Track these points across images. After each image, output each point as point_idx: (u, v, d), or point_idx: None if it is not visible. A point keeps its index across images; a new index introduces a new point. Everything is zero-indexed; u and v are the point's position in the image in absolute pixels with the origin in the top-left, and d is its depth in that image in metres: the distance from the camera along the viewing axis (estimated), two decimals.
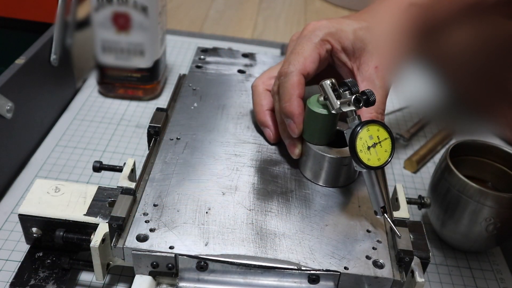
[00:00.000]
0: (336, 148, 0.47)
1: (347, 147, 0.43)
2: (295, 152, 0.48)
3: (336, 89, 0.44)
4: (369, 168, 0.42)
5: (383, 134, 0.42)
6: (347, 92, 0.44)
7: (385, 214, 0.43)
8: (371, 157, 0.42)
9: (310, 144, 0.47)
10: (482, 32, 0.72)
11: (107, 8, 0.67)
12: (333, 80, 0.44)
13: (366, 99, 0.43)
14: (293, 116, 0.47)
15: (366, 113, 0.47)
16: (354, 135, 0.42)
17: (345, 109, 0.43)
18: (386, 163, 0.42)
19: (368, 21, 0.50)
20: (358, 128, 0.42)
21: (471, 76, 0.76)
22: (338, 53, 0.48)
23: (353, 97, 0.43)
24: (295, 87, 0.47)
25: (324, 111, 0.46)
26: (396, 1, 0.52)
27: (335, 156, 0.46)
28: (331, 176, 0.48)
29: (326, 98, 0.44)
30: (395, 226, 0.43)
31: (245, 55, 0.67)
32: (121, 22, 0.68)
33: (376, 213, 0.43)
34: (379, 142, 0.42)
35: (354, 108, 0.43)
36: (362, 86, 0.48)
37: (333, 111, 0.44)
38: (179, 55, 0.89)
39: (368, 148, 0.42)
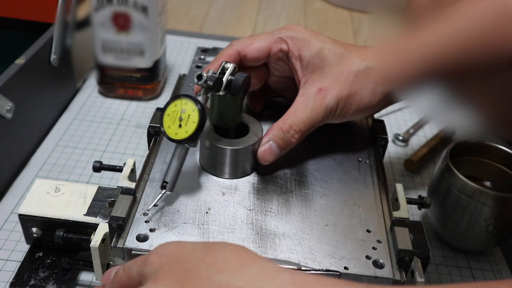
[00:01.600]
0: (233, 139, 0.47)
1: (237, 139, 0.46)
2: None
3: (233, 73, 0.45)
4: (171, 140, 0.43)
5: (191, 106, 0.42)
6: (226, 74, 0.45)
7: (162, 190, 0.43)
8: (178, 131, 0.42)
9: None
10: None
11: (107, 8, 0.67)
12: (235, 66, 0.46)
13: (198, 77, 0.43)
14: None
15: (281, 122, 0.46)
16: (163, 109, 0.43)
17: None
18: (188, 139, 0.42)
19: (373, 54, 0.48)
20: (168, 102, 0.43)
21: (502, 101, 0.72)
22: (293, 58, 0.48)
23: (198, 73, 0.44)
24: (224, 56, 0.48)
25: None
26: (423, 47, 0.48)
27: (211, 143, 0.46)
28: (209, 162, 0.48)
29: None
30: (397, 225, 0.43)
31: None
32: (121, 22, 0.68)
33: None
34: (188, 116, 0.42)
35: (196, 81, 0.43)
36: (298, 100, 0.47)
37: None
38: (179, 55, 0.89)
39: (175, 121, 0.43)
